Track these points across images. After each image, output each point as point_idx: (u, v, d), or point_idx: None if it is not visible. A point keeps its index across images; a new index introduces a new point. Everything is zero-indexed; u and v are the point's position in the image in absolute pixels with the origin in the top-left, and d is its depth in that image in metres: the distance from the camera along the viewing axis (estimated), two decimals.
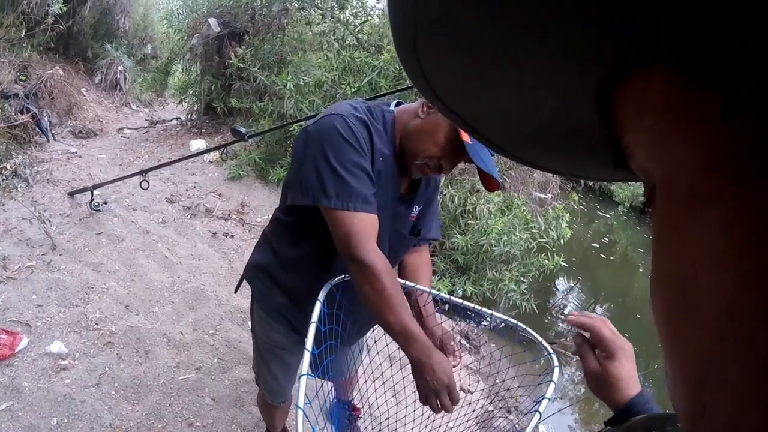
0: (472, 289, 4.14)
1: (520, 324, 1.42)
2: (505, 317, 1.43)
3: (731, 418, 0.16)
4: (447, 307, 3.37)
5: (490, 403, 2.67)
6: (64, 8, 5.75)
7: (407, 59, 0.25)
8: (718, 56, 0.16)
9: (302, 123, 3.73)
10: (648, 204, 0.22)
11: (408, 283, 1.43)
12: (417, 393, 1.15)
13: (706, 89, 0.17)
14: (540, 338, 1.38)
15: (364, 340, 1.77)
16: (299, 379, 0.98)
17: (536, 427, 1.08)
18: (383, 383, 1.67)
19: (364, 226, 1.16)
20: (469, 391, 2.87)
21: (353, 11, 5.42)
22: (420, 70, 0.25)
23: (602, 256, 7.68)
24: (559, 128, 0.28)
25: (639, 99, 0.20)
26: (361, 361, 1.84)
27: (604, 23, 0.19)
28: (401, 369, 1.61)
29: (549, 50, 0.21)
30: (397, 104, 1.33)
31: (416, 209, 1.40)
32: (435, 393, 1.11)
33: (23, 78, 5.02)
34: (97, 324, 2.62)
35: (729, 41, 0.16)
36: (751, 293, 0.15)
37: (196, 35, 5.72)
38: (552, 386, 1.19)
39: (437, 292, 1.45)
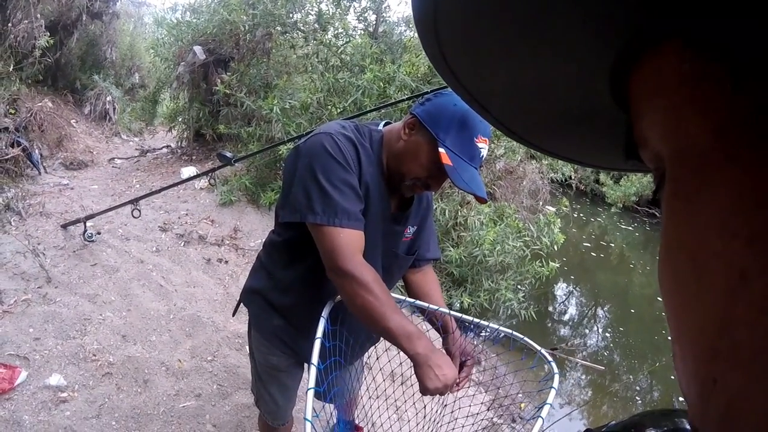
0: (469, 300, 4.15)
1: (517, 334, 1.43)
2: (498, 327, 1.45)
3: (744, 389, 0.15)
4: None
5: (498, 416, 2.67)
6: (51, 41, 5.78)
7: (426, 31, 0.25)
8: (727, 29, 0.17)
9: (288, 144, 3.76)
10: (657, 191, 0.22)
11: (418, 302, 1.45)
12: (418, 386, 1.16)
13: (716, 62, 0.17)
14: (538, 347, 1.40)
15: (363, 360, 1.77)
16: (306, 392, 0.99)
17: None
18: (386, 400, 1.67)
19: (350, 242, 1.16)
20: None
21: (335, 33, 5.50)
22: (437, 44, 0.25)
23: (593, 254, 7.74)
24: (572, 112, 0.28)
25: (652, 77, 0.21)
26: (361, 382, 1.83)
27: None
28: (402, 385, 1.62)
29: (567, 19, 0.21)
30: (386, 124, 1.35)
31: (411, 229, 1.40)
32: (436, 390, 1.12)
33: (12, 111, 5.03)
34: (95, 355, 2.61)
35: (737, 13, 0.16)
36: (764, 255, 0.15)
37: (183, 63, 5.77)
38: (552, 392, 1.22)
39: (446, 309, 1.44)
